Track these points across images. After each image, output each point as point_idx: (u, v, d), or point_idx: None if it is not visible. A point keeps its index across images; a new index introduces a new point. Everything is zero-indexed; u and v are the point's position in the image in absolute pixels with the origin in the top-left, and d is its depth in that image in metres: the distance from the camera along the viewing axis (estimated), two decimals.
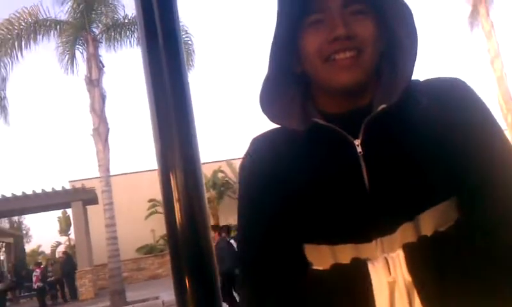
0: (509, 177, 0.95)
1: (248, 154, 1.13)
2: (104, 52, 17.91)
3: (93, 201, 21.82)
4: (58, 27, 16.99)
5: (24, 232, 56.91)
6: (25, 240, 51.99)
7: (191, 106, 1.36)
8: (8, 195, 20.99)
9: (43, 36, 16.86)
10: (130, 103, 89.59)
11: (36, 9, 16.67)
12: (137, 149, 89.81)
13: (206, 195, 1.38)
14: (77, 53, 17.46)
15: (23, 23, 16.54)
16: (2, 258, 38.22)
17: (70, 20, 16.99)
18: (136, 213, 29.15)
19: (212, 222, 26.68)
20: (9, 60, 16.70)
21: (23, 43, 16.58)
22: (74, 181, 28.37)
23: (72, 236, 38.11)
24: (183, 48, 1.41)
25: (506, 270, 0.90)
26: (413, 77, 1.01)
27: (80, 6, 16.68)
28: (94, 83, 16.64)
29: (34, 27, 16.60)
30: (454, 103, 0.99)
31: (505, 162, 0.96)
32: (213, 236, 9.17)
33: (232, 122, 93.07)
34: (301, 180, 1.01)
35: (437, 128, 0.97)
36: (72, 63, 17.37)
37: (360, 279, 0.94)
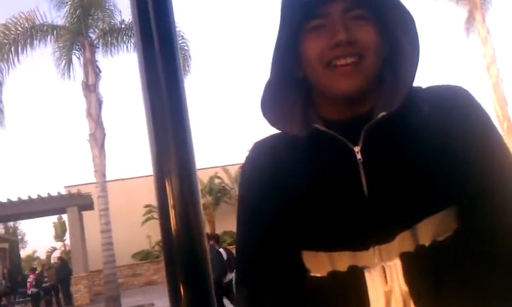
0: (508, 182, 0.94)
1: (248, 159, 1.12)
2: (101, 57, 17.92)
3: (89, 206, 21.75)
4: (55, 32, 17.00)
5: (19, 237, 56.69)
6: (20, 246, 51.82)
7: (187, 112, 1.36)
8: (3, 200, 20.93)
9: (39, 41, 16.87)
10: (126, 108, 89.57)
11: (33, 14, 16.69)
12: (133, 155, 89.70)
13: (202, 201, 1.37)
14: (74, 58, 17.49)
15: (20, 28, 16.53)
16: None
17: (67, 25, 17.00)
18: (132, 219, 29.05)
19: (208, 228, 26.65)
20: (5, 65, 16.69)
21: (19, 48, 16.58)
22: (70, 186, 28.28)
23: (68, 241, 38.02)
24: (179, 53, 1.41)
25: (505, 278, 0.89)
26: (414, 84, 1.00)
27: (77, 11, 16.69)
28: (91, 88, 16.63)
29: (30, 32, 16.60)
30: (455, 111, 0.99)
31: (505, 167, 0.96)
32: None
33: (228, 128, 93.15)
34: (300, 186, 1.01)
35: (438, 135, 0.96)
36: (68, 68, 17.38)
37: (357, 287, 0.94)
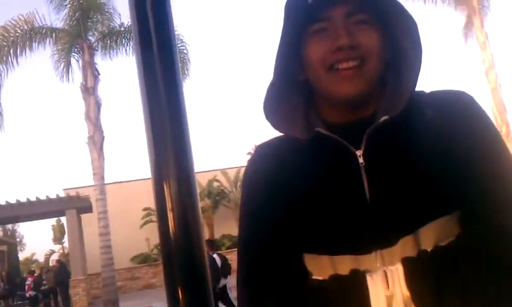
0: (510, 186, 0.94)
1: (251, 161, 1.13)
2: (100, 60, 17.99)
3: (88, 209, 21.72)
4: (54, 34, 17.02)
5: (18, 240, 56.64)
6: (19, 248, 51.75)
7: (186, 115, 1.36)
8: (2, 203, 20.88)
9: (38, 44, 16.88)
10: (125, 111, 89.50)
11: (32, 17, 16.70)
12: (132, 158, 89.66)
13: (201, 204, 1.37)
14: (73, 61, 17.51)
15: (19, 31, 16.55)
16: None
17: (66, 27, 17.02)
18: (131, 222, 29.03)
19: (206, 231, 26.63)
20: (4, 67, 16.69)
21: (18, 50, 16.59)
22: (68, 189, 28.22)
23: (66, 244, 37.92)
24: (178, 57, 1.41)
25: (509, 283, 0.88)
26: (417, 89, 1.00)
27: (77, 14, 16.72)
28: (89, 91, 16.64)
29: (29, 34, 16.61)
30: (458, 115, 0.98)
31: (507, 172, 0.96)
32: None
33: (227, 131, 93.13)
34: (302, 189, 1.01)
35: (441, 140, 0.96)
36: (67, 71, 17.41)
37: (358, 291, 0.94)
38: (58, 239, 56.83)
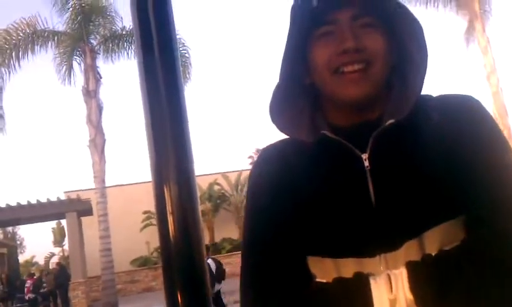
0: None
1: (256, 163, 1.13)
2: (102, 63, 17.99)
3: (88, 212, 21.71)
4: (56, 37, 17.07)
5: (18, 242, 56.59)
6: (19, 251, 51.69)
7: (187, 118, 1.36)
8: (2, 205, 20.89)
9: (40, 47, 16.95)
10: (127, 114, 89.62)
11: (34, 20, 16.77)
12: (133, 161, 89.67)
13: (201, 208, 1.37)
14: (75, 64, 17.59)
15: (21, 34, 16.61)
16: None
17: (68, 31, 17.08)
18: (131, 225, 29.01)
19: (207, 235, 26.61)
20: (6, 70, 16.75)
21: (20, 53, 16.64)
22: (69, 192, 28.21)
23: (66, 247, 37.93)
24: (179, 61, 1.41)
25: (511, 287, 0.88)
26: (423, 93, 1.00)
27: (79, 17, 16.77)
28: (91, 94, 16.68)
29: (32, 37, 16.67)
30: (464, 119, 0.98)
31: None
32: None
33: (228, 135, 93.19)
34: (307, 191, 1.01)
35: (447, 144, 0.96)
36: (69, 74, 17.48)
37: (361, 294, 0.93)
38: (58, 242, 56.85)
